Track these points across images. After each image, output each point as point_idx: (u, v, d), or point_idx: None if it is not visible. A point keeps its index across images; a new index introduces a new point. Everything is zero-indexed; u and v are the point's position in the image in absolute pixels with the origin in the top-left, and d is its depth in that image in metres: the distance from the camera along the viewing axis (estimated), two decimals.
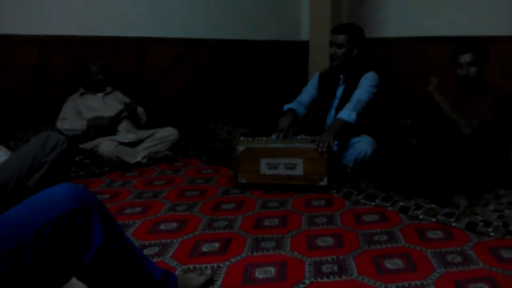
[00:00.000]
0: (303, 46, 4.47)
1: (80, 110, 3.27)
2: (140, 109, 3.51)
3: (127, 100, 3.49)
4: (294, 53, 4.67)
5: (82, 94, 3.33)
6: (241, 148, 2.63)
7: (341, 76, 2.94)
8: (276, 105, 3.18)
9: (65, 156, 1.99)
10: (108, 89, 3.44)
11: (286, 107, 2.98)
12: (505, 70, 3.44)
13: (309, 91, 3.07)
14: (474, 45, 2.58)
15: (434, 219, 2.14)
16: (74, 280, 1.30)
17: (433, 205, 2.28)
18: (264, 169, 2.61)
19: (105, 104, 3.36)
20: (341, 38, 2.82)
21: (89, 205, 1.19)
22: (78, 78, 3.34)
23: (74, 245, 1.15)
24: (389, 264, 1.73)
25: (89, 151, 3.18)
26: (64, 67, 3.37)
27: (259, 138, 2.75)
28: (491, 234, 1.97)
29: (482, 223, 2.04)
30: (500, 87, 2.70)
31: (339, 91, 2.94)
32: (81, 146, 3.19)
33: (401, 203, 2.33)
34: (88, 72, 3.30)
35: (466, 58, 2.55)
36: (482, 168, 2.45)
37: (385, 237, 1.97)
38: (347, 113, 2.71)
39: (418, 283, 1.58)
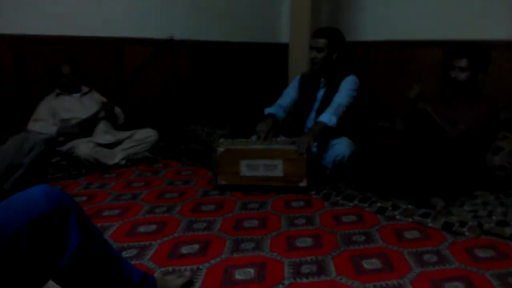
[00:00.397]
0: (283, 49, 4.49)
1: (56, 110, 3.21)
2: (117, 109, 3.47)
3: (104, 100, 3.45)
4: (274, 55, 4.68)
5: (58, 95, 3.27)
6: (221, 149, 2.62)
7: (322, 79, 2.96)
8: (256, 107, 3.18)
9: (43, 158, 1.96)
10: (85, 89, 3.40)
11: (267, 111, 3.00)
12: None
13: (290, 93, 3.09)
14: (471, 51, 2.58)
15: (410, 220, 2.18)
16: (51, 283, 1.28)
17: (410, 206, 2.32)
18: (244, 170, 2.61)
19: (82, 105, 3.32)
20: (321, 42, 2.85)
21: (66, 207, 1.17)
22: (51, 79, 3.28)
23: (51, 247, 1.14)
24: (367, 264, 1.75)
25: (66, 153, 3.14)
26: (41, 67, 3.31)
27: (239, 139, 2.75)
28: (466, 234, 2.01)
29: (457, 223, 2.09)
30: (487, 94, 2.73)
31: (320, 94, 2.96)
32: (57, 148, 3.14)
33: (379, 204, 2.36)
34: (60, 74, 3.25)
35: (460, 62, 2.56)
36: (461, 171, 2.49)
37: (363, 238, 2.00)
38: (328, 117, 2.73)
39: (396, 282, 1.61)
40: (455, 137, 2.50)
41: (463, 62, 2.55)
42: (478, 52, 2.58)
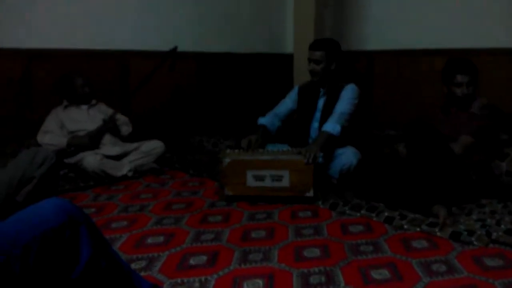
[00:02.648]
0: (287, 59, 4.52)
1: (63, 123, 3.24)
2: (124, 119, 3.49)
3: (111, 112, 3.48)
4: (279, 65, 4.71)
5: (66, 107, 3.31)
6: (227, 160, 2.64)
7: (321, 89, 2.98)
8: (262, 117, 3.20)
9: (53, 171, 1.99)
10: (93, 101, 3.43)
11: (260, 121, 3.05)
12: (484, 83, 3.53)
13: (287, 103, 3.13)
14: (470, 66, 2.69)
15: (418, 229, 2.17)
16: None
17: (417, 215, 2.31)
18: (250, 181, 2.62)
19: (89, 117, 3.35)
20: (318, 54, 2.88)
21: (76, 219, 1.19)
22: (62, 91, 3.32)
23: (62, 260, 1.15)
24: (376, 274, 1.74)
25: (73, 165, 3.16)
26: (47, 80, 3.35)
27: (245, 150, 2.76)
28: (475, 243, 2.01)
29: (465, 232, 2.08)
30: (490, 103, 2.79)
31: (320, 103, 2.98)
32: (65, 160, 3.17)
33: (386, 214, 2.36)
34: (74, 85, 3.29)
35: (465, 78, 2.66)
36: (466, 178, 2.50)
37: (371, 248, 2.00)
38: (332, 126, 2.75)
39: None
40: (461, 151, 2.54)
41: (468, 78, 2.66)
42: (473, 65, 2.70)
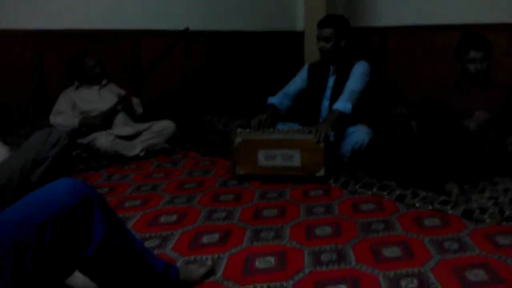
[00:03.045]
0: (298, 37, 4.47)
1: (75, 103, 3.26)
2: (135, 100, 3.51)
3: (122, 92, 3.48)
4: (290, 43, 4.66)
5: (77, 88, 3.32)
6: (238, 139, 2.64)
7: (331, 67, 2.95)
8: (272, 96, 3.18)
9: (66, 152, 2.02)
10: (104, 81, 3.44)
11: (270, 100, 3.04)
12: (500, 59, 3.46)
13: (297, 82, 3.11)
14: (484, 41, 2.64)
15: (430, 207, 2.17)
16: (77, 273, 1.32)
17: (429, 193, 2.30)
18: (261, 160, 2.62)
19: (101, 97, 3.36)
20: (327, 31, 2.84)
21: (89, 199, 1.20)
22: (73, 72, 3.33)
23: (76, 239, 1.17)
24: (387, 252, 1.75)
25: (86, 145, 3.19)
26: (59, 61, 3.36)
27: (255, 129, 2.76)
28: (487, 221, 2.00)
29: (478, 210, 2.07)
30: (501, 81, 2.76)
31: (331, 81, 2.95)
32: (78, 140, 3.19)
33: (398, 192, 2.35)
34: (85, 65, 3.29)
35: (478, 54, 2.62)
36: (479, 156, 2.48)
37: (382, 226, 2.00)
38: (343, 104, 2.73)
39: (416, 270, 1.61)
40: (477, 127, 2.51)
41: (482, 54, 2.61)
42: (488, 41, 2.65)
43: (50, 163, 1.96)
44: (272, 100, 3.05)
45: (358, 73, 2.84)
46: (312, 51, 4.11)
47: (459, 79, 2.79)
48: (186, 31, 3.81)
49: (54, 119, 3.18)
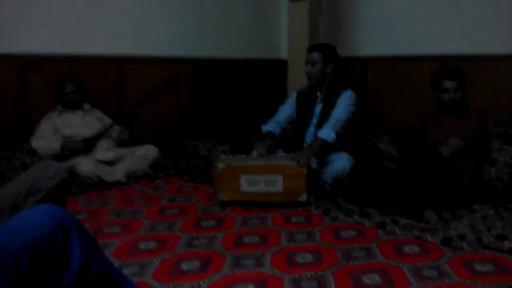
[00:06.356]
0: (282, 65, 4.54)
1: (58, 128, 3.25)
2: (119, 128, 3.50)
3: (106, 118, 3.49)
4: (274, 71, 4.74)
5: (60, 112, 3.31)
6: (221, 165, 2.65)
7: (318, 94, 3.01)
8: (256, 123, 3.21)
9: (64, 186, 2.01)
10: (87, 107, 3.43)
11: (265, 128, 3.06)
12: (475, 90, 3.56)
13: (286, 110, 3.15)
14: (458, 72, 2.74)
15: (410, 234, 2.19)
16: None
17: (408, 221, 2.33)
18: (244, 186, 2.63)
19: (84, 122, 3.35)
20: (314, 56, 2.93)
21: (67, 225, 1.19)
22: (55, 98, 3.32)
23: (54, 266, 1.15)
24: (367, 280, 1.76)
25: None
26: (42, 86, 3.36)
27: (239, 155, 2.78)
28: (466, 248, 2.02)
29: (456, 238, 2.09)
30: (476, 107, 2.85)
31: (318, 109, 3.00)
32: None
33: (378, 219, 2.37)
34: (63, 91, 3.29)
35: (452, 84, 2.71)
36: (457, 184, 2.52)
37: (363, 253, 2.01)
38: (327, 133, 2.77)
39: None
40: (449, 153, 2.57)
41: (455, 84, 2.71)
42: (461, 72, 2.75)
43: (45, 194, 1.95)
44: (268, 127, 3.08)
45: (345, 102, 2.90)
46: (295, 79, 4.19)
47: (437, 109, 2.87)
48: (175, 77, 3.84)
49: (36, 143, 3.16)
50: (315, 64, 2.93)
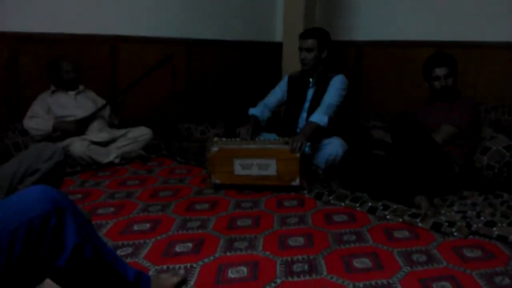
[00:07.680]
0: (277, 47, 4.52)
1: (50, 108, 3.22)
2: (109, 112, 3.49)
3: (99, 99, 3.47)
4: (268, 54, 4.71)
5: (53, 92, 3.28)
6: (214, 148, 2.65)
7: (310, 79, 3.00)
8: (250, 106, 3.21)
9: (59, 167, 2.01)
10: (81, 87, 3.40)
11: (251, 111, 3.06)
12: (472, 77, 3.58)
13: (277, 93, 3.14)
14: (448, 59, 2.76)
15: (400, 220, 2.22)
16: (47, 281, 1.30)
17: (399, 206, 2.36)
18: (237, 169, 2.64)
19: (77, 103, 3.32)
20: (310, 42, 2.90)
21: (62, 206, 1.20)
22: (49, 76, 3.29)
23: (48, 247, 1.16)
24: (358, 263, 1.78)
25: None
26: (34, 65, 3.31)
27: (233, 138, 2.78)
28: (455, 234, 2.06)
29: (446, 224, 2.13)
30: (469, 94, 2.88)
31: (310, 94, 3.00)
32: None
33: (370, 204, 2.40)
34: (60, 70, 3.25)
35: (442, 71, 2.73)
36: (448, 170, 2.55)
37: (354, 237, 2.04)
38: (319, 117, 2.77)
39: (385, 281, 1.65)
40: (442, 140, 2.59)
41: (445, 70, 2.73)
42: (452, 58, 2.77)
43: (41, 176, 1.94)
44: (254, 111, 3.07)
45: (336, 87, 2.89)
46: (290, 62, 4.16)
47: (430, 97, 2.89)
48: (170, 58, 3.80)
49: (28, 122, 3.13)
50: (310, 51, 2.90)
